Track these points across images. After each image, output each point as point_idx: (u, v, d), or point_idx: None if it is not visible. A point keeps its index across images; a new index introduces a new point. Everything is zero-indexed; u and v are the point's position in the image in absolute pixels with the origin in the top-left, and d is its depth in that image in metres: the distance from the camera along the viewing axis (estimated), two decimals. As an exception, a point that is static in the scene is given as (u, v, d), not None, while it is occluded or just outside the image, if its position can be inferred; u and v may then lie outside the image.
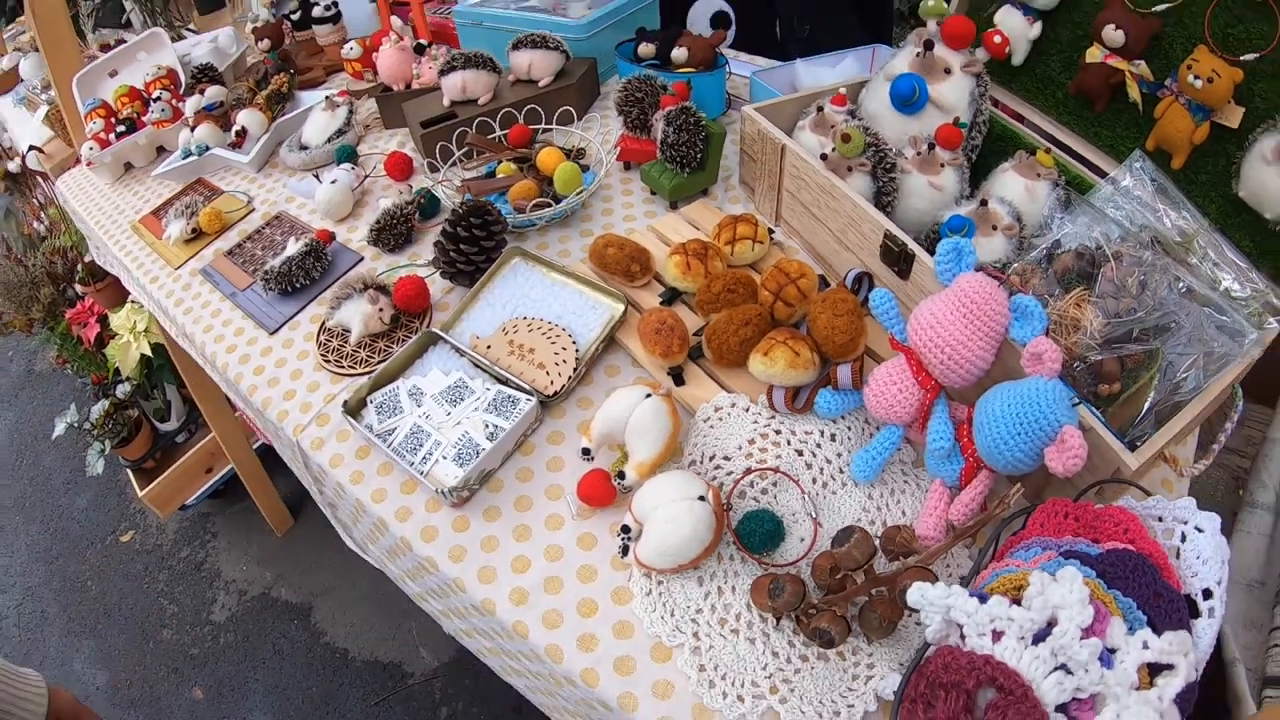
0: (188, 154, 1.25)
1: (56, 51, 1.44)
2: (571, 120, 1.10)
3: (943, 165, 0.81)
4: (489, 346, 0.77)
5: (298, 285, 0.93)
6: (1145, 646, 0.43)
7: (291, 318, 0.92)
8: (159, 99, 1.35)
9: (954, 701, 0.41)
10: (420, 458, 0.70)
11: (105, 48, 1.93)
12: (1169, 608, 0.48)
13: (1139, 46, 0.80)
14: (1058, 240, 0.73)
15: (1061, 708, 0.41)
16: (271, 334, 0.91)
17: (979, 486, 0.56)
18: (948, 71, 0.84)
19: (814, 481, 0.64)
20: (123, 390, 2.03)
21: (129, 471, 2.14)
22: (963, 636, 0.45)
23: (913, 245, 0.70)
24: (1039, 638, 0.43)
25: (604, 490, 0.63)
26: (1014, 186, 0.81)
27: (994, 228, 0.76)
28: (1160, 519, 0.54)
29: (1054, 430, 0.52)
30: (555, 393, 0.72)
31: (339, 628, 1.91)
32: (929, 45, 0.83)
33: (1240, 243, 0.78)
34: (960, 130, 0.82)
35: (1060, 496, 0.55)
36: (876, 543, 0.53)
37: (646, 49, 1.07)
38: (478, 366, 0.76)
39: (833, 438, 0.67)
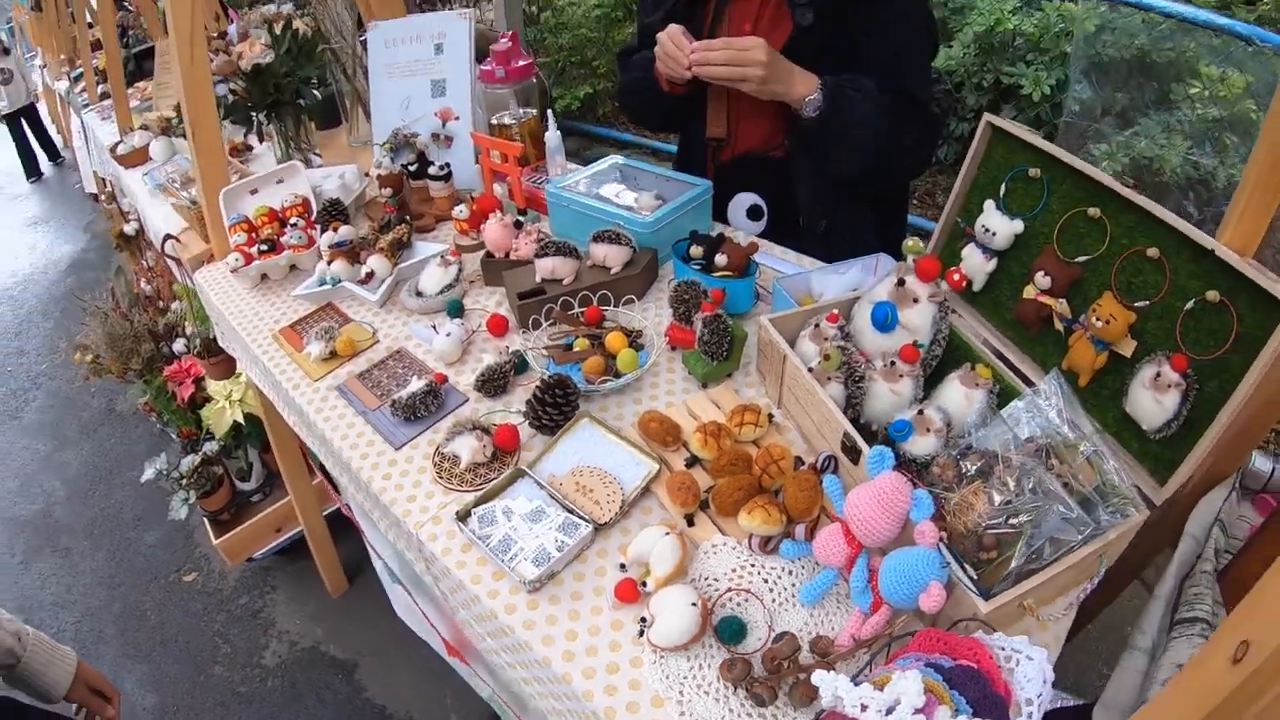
0: (323, 282, 1.59)
1: (211, 170, 1.75)
2: (634, 303, 1.45)
3: (901, 376, 1.12)
4: (561, 484, 1.09)
5: (419, 415, 1.27)
6: (957, 723, 0.70)
7: (412, 439, 1.24)
8: (296, 225, 1.69)
9: (828, 743, 0.69)
10: (509, 557, 1.00)
11: (234, 150, 2.36)
12: (992, 704, 0.74)
13: (1062, 289, 1.08)
14: (970, 444, 1.02)
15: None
16: (397, 449, 1.24)
17: (881, 615, 0.84)
18: (916, 300, 1.15)
19: (774, 600, 0.93)
20: (210, 448, 2.37)
21: (204, 519, 2.41)
22: (846, 708, 0.72)
23: (861, 443, 1.00)
24: (889, 710, 0.70)
25: (632, 592, 0.93)
26: (955, 394, 1.10)
27: (928, 429, 1.06)
28: (1003, 649, 0.80)
29: (926, 582, 0.81)
30: (605, 523, 1.03)
31: (379, 686, 2.13)
32: (903, 283, 1.16)
33: (1129, 446, 1.01)
34: (918, 350, 1.12)
35: (935, 628, 0.82)
36: (805, 644, 0.81)
37: (696, 250, 1.43)
38: (553, 498, 1.07)
39: (789, 572, 0.96)
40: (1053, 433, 1.01)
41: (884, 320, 1.14)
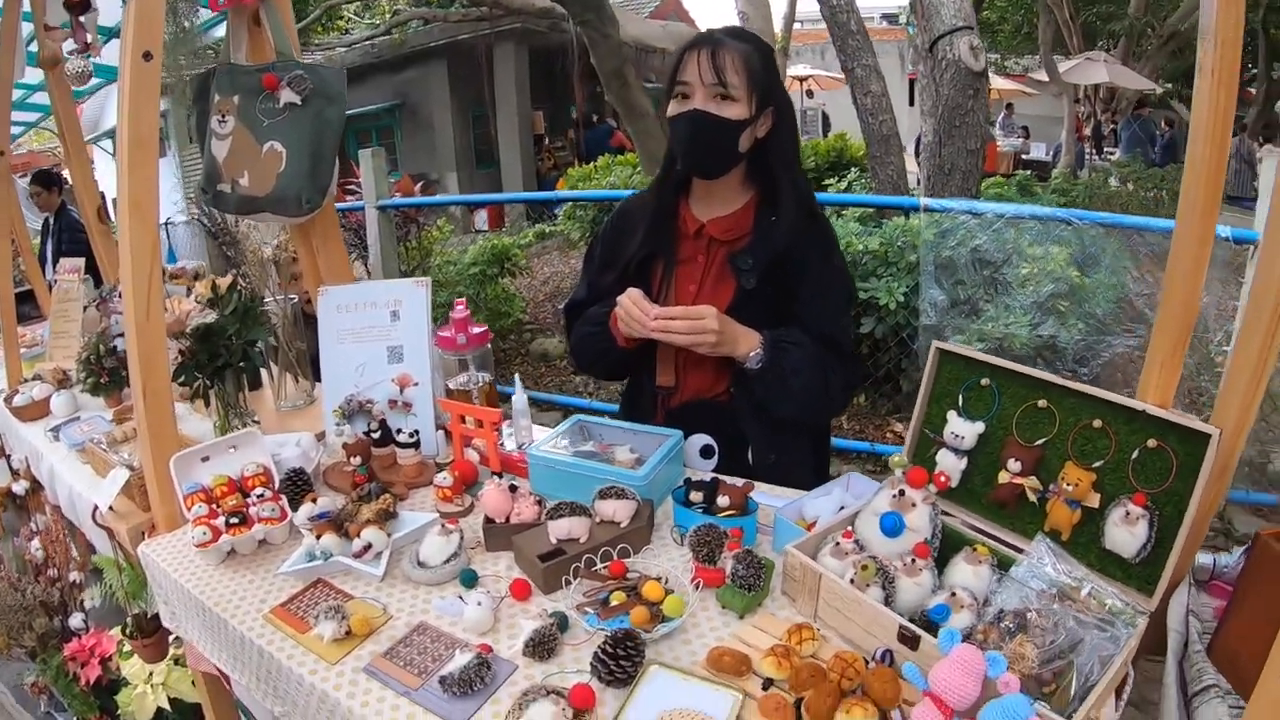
0: (312, 557, 1.52)
1: (160, 433, 1.65)
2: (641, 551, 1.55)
3: (921, 569, 1.28)
4: None
5: (474, 689, 1.24)
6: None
7: (473, 714, 1.20)
8: (262, 496, 1.60)
9: None
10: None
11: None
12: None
13: (1029, 469, 1.33)
14: (1000, 608, 1.17)
15: None
16: (459, 726, 1.21)
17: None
18: (914, 505, 1.34)
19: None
20: (132, 742, 1.98)
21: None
22: None
23: (918, 631, 1.12)
24: None
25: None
26: (965, 571, 1.27)
27: (961, 606, 1.20)
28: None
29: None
30: None
31: None
32: (902, 493, 1.35)
33: (1115, 575, 1.23)
34: (929, 546, 1.30)
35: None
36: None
37: (696, 496, 1.58)
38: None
39: (900, 760, 1.02)
40: (1056, 582, 1.19)
41: (894, 527, 1.32)
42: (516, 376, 1.96)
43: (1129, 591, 1.19)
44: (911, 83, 14.22)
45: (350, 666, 1.33)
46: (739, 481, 1.59)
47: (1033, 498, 1.31)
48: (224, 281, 2.08)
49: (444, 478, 1.75)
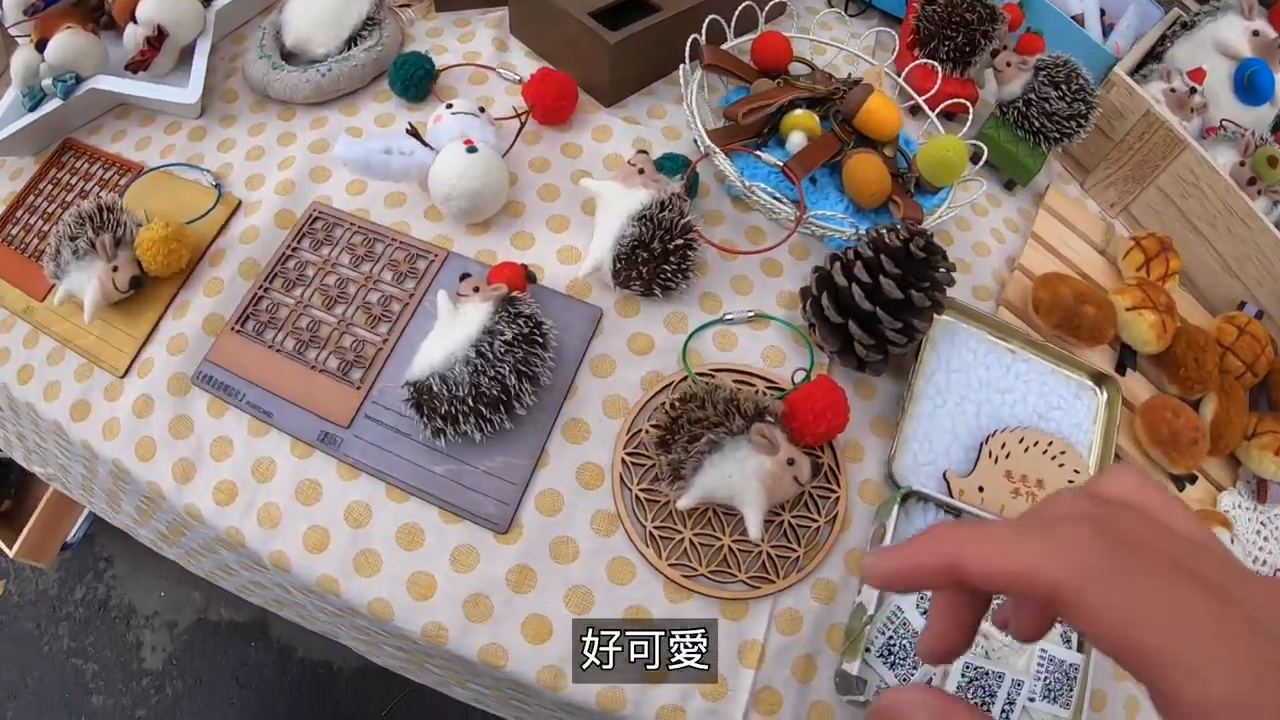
0: (36, 97, 0.59)
1: None
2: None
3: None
4: (980, 489, 0.50)
5: (516, 406, 0.46)
6: None
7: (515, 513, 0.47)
8: None
9: None
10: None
11: None
12: None
13: None
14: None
15: None
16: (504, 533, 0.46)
17: None
18: None
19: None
20: None
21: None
22: None
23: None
24: None
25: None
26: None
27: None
28: None
29: None
30: None
31: (311, 637, 1.36)
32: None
33: None
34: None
35: None
36: None
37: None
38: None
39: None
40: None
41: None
42: None
43: None
44: None
45: (157, 373, 0.52)
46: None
47: None
48: None
49: None
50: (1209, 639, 0.17)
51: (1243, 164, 0.67)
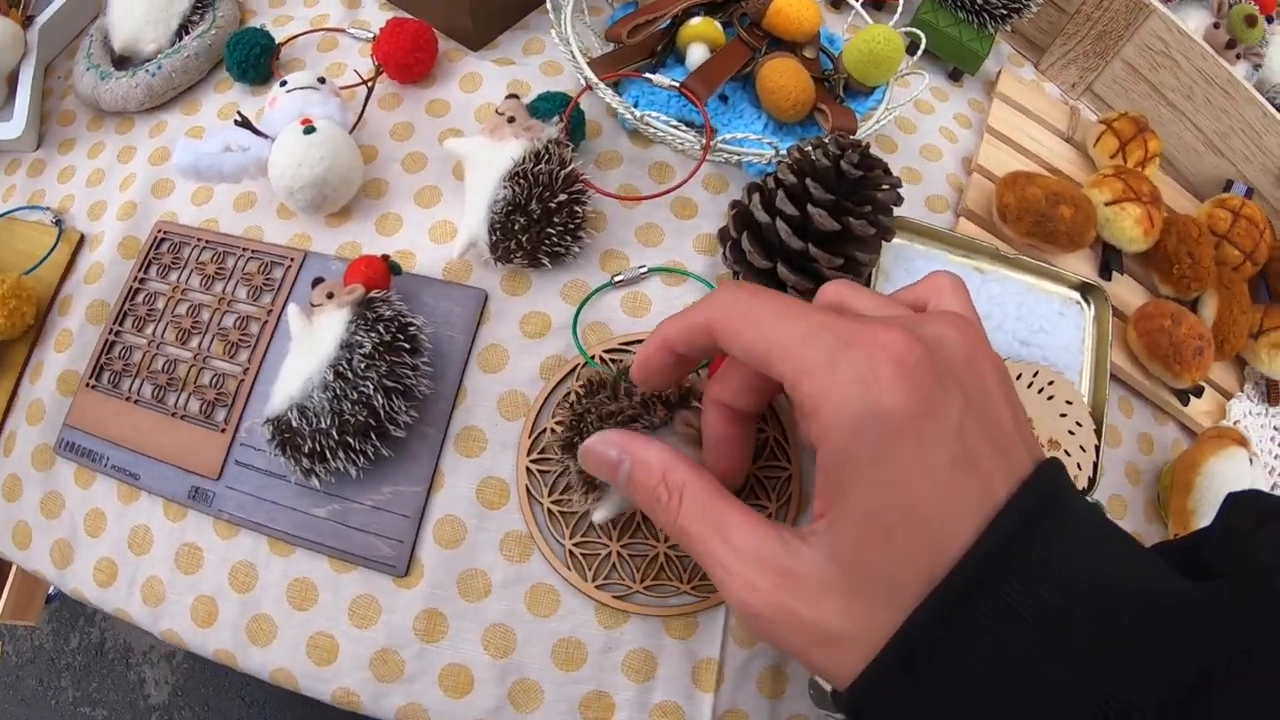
0: None
1: None
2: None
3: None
4: None
5: (390, 429, 0.39)
6: None
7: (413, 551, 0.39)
8: None
9: None
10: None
11: None
12: None
13: None
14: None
15: None
16: (403, 576, 0.39)
17: None
18: None
19: None
20: None
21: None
22: None
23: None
24: None
25: None
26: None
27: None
28: None
29: None
30: (1085, 488, 0.44)
31: None
32: None
33: None
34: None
35: None
36: None
37: None
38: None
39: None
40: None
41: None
42: None
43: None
44: None
45: (22, 450, 0.44)
46: None
47: None
48: None
49: None
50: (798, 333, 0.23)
51: (1217, 26, 0.59)
